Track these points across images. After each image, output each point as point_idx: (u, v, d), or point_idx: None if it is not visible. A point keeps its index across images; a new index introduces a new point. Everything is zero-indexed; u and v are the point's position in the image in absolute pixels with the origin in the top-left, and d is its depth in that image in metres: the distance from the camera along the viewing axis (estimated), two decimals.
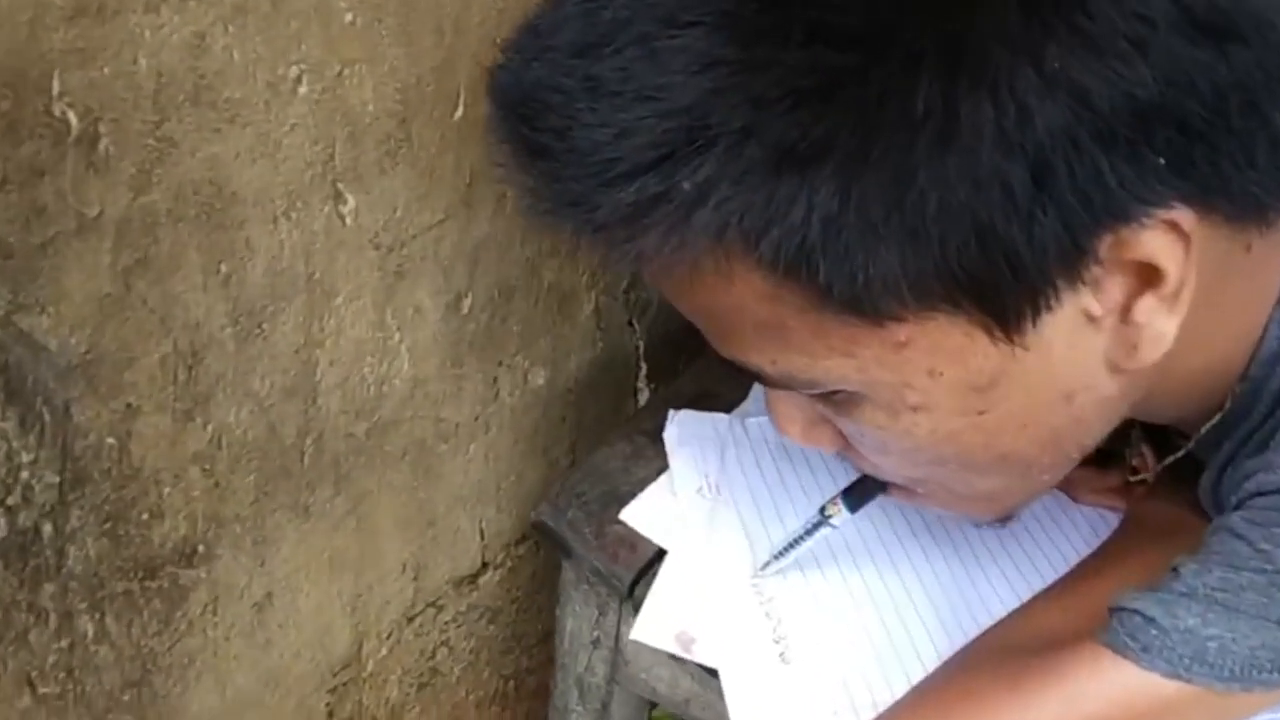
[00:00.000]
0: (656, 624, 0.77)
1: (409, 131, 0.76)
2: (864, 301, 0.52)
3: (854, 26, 0.47)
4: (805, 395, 0.62)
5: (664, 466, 0.88)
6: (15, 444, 0.60)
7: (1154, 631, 0.58)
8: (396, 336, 0.82)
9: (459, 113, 0.80)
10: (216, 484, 0.73)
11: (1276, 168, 0.53)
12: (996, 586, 0.80)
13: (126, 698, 0.74)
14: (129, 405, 0.65)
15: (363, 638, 0.94)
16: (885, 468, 0.67)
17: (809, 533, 0.76)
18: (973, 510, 0.70)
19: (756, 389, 0.93)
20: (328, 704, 0.94)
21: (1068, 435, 0.61)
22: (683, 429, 0.90)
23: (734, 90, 0.48)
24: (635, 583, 0.81)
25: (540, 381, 1.00)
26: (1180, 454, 0.72)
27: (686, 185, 0.49)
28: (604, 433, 0.99)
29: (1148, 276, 0.53)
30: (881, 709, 0.70)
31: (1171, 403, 0.66)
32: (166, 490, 0.70)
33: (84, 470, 0.64)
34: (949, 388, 0.56)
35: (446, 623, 1.04)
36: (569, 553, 0.84)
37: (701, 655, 0.76)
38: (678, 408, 0.92)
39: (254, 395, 0.73)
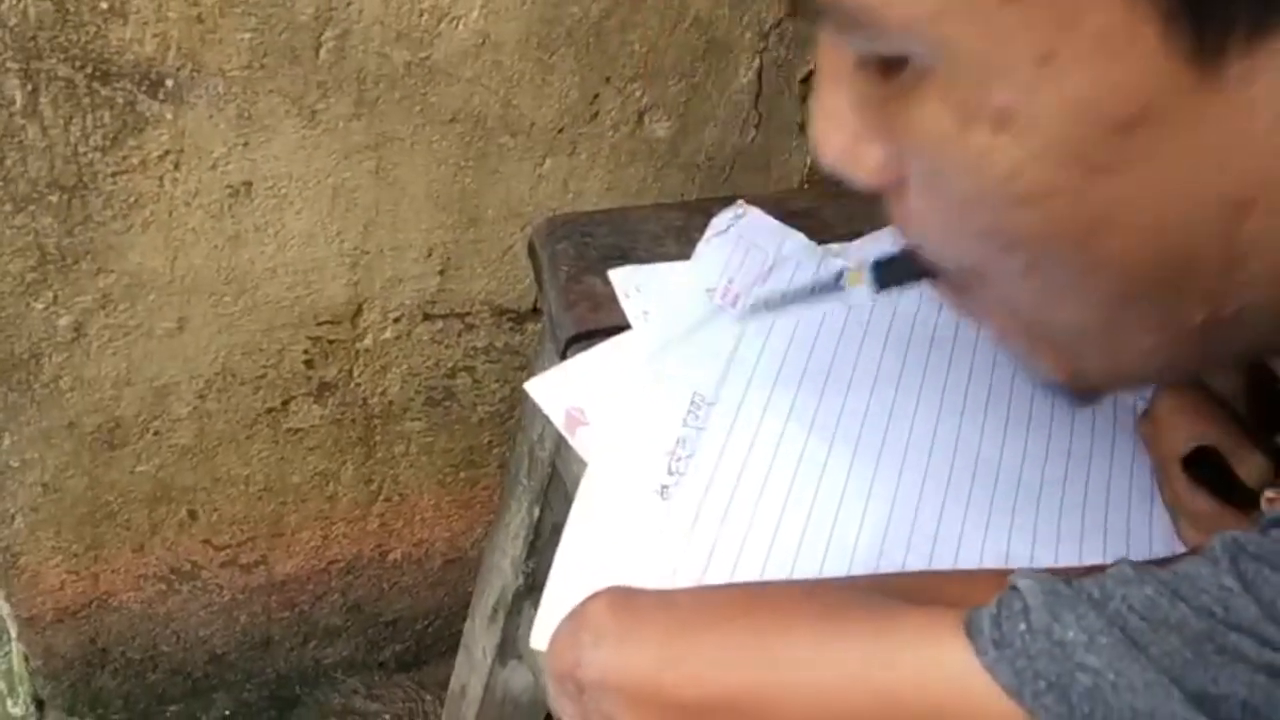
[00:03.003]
0: (556, 386, 0.64)
1: None
2: None
3: None
4: (859, 85, 0.42)
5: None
6: None
7: (1022, 626, 0.39)
8: None
9: None
10: (200, 18, 0.67)
11: None
12: (977, 541, 0.60)
13: (53, 198, 0.72)
14: None
15: (363, 302, 0.88)
16: (933, 233, 0.44)
17: (814, 292, 0.55)
18: (1031, 349, 0.47)
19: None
20: (306, 351, 0.89)
21: (1202, 282, 0.38)
22: (740, 223, 0.74)
23: None
24: (571, 343, 0.68)
25: (661, 134, 0.87)
26: None
27: None
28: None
29: None
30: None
31: None
32: None
33: None
34: (1066, 102, 0.35)
35: (476, 349, 0.96)
36: (539, 284, 0.72)
37: (579, 443, 0.62)
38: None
39: None
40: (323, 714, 1.18)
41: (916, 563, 0.60)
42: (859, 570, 0.59)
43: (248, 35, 0.69)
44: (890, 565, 0.59)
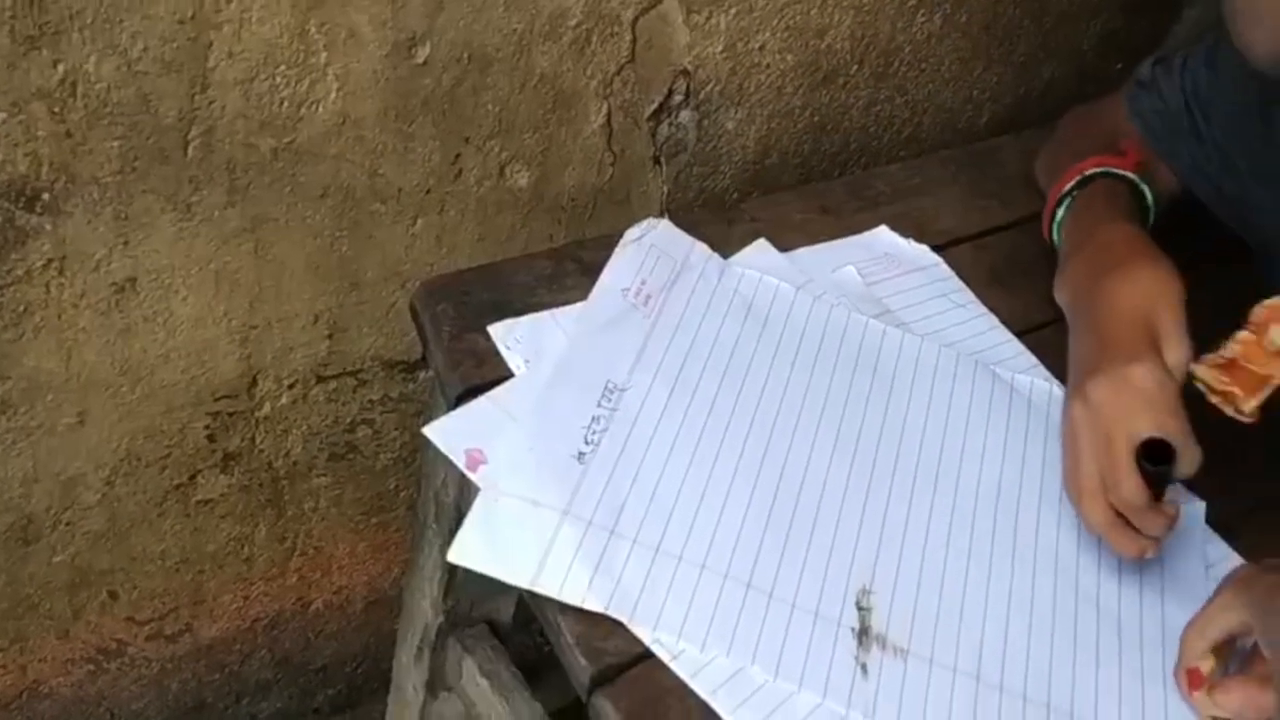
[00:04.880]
0: (454, 430, 0.70)
1: None
2: None
3: None
4: None
5: (570, 302, 0.78)
6: None
7: None
8: (322, 56, 0.76)
9: None
10: (69, 133, 0.71)
11: None
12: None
13: None
14: None
15: (256, 373, 0.91)
16: None
17: None
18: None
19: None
20: (208, 427, 0.92)
21: None
22: (651, 234, 0.82)
23: None
24: (460, 400, 0.72)
25: (523, 183, 0.92)
26: None
27: None
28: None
29: None
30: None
31: None
32: (1, 116, 0.68)
33: None
34: None
35: (372, 401, 1.00)
36: (425, 345, 0.77)
37: (481, 479, 0.67)
38: None
39: (120, 52, 0.69)
40: None
41: (805, 515, 0.69)
42: (752, 522, 0.67)
43: (116, 143, 0.73)
44: (780, 522, 0.68)
